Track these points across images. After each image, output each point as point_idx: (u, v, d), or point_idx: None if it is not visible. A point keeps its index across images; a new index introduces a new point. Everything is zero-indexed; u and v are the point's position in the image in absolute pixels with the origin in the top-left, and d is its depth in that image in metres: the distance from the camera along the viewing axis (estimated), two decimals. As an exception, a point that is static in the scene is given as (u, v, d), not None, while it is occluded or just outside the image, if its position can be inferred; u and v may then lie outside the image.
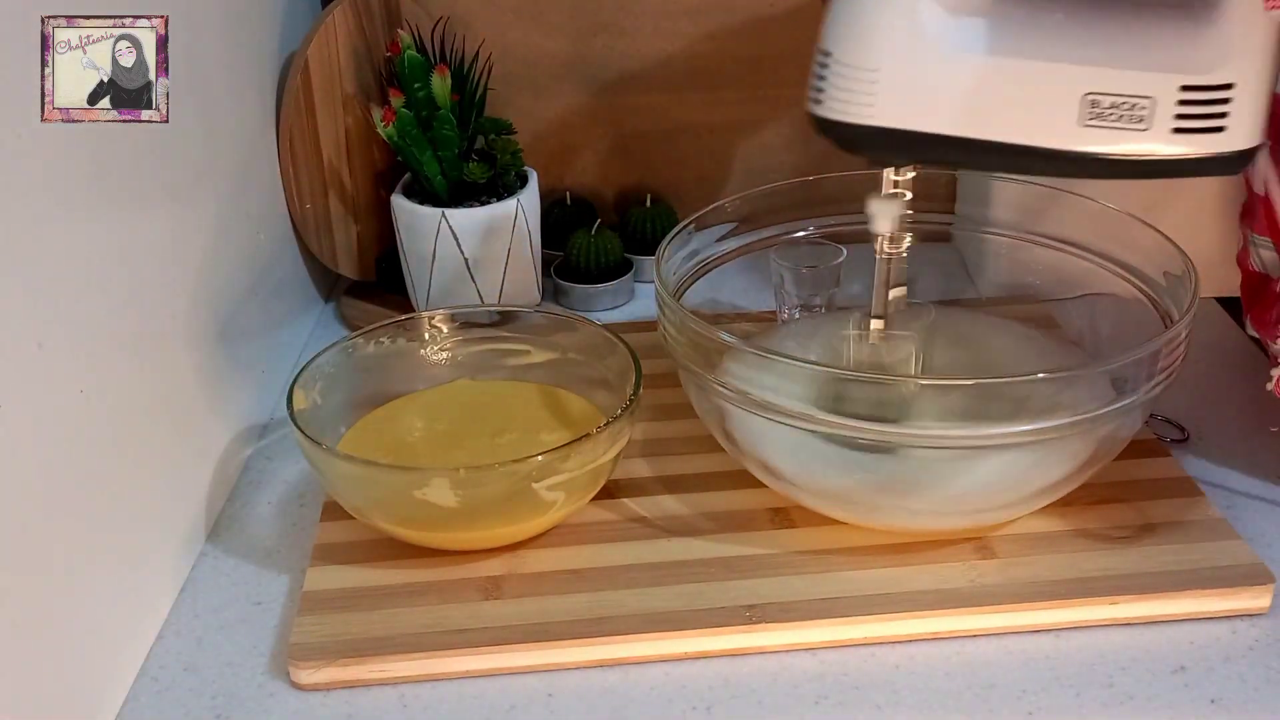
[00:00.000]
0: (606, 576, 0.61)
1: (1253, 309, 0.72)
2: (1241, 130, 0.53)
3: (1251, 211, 0.71)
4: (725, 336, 0.61)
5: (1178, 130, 0.53)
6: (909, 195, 0.64)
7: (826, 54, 0.57)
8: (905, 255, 0.66)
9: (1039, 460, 0.60)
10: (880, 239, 0.65)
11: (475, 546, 0.63)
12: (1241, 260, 0.74)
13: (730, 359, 0.62)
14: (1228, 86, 0.52)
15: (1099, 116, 0.53)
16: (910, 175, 0.76)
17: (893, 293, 0.66)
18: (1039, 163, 0.56)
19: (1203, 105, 0.53)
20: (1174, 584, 0.59)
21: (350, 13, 0.85)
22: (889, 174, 0.63)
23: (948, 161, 0.59)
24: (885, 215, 0.64)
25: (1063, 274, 0.73)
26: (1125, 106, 0.53)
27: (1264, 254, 0.71)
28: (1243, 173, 0.65)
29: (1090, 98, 0.53)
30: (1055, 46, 0.55)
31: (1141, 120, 0.53)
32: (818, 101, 0.58)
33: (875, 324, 0.67)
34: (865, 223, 0.77)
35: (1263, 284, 0.71)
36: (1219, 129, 0.53)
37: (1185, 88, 0.53)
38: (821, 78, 0.57)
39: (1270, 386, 0.65)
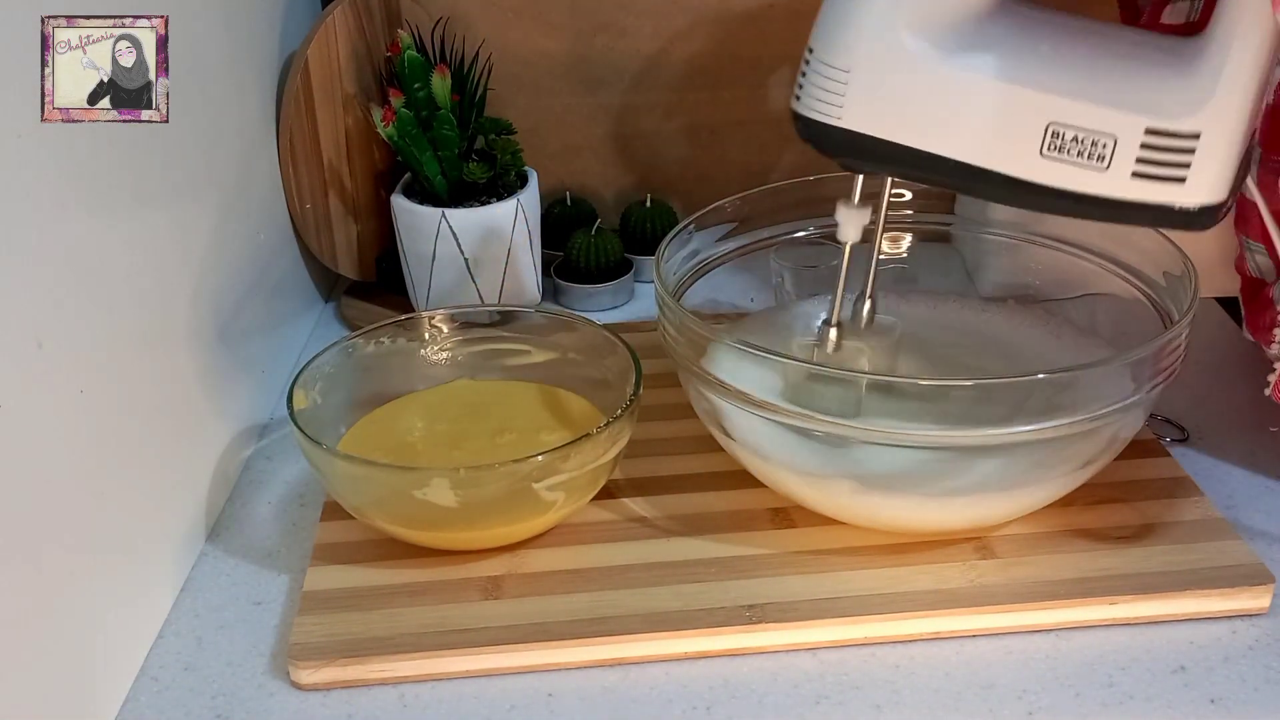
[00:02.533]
0: (606, 576, 0.61)
1: (1249, 314, 0.72)
2: (1203, 184, 0.52)
3: (1245, 217, 0.71)
4: (723, 337, 0.61)
5: (1137, 175, 0.52)
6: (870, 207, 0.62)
7: (809, 50, 0.57)
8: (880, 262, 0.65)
9: (1039, 460, 0.60)
10: (845, 247, 0.63)
11: (475, 546, 0.63)
12: (1239, 265, 0.74)
13: (724, 356, 0.62)
14: (1194, 136, 0.51)
15: (1059, 149, 0.52)
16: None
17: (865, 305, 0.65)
18: (998, 189, 0.55)
19: (1165, 152, 0.51)
20: (1174, 584, 0.59)
21: (350, 13, 0.85)
22: (858, 181, 0.62)
23: (911, 175, 0.58)
24: (852, 224, 0.62)
25: (1063, 274, 0.72)
26: (1086, 142, 0.52)
27: (1259, 259, 0.71)
28: None
29: (1053, 128, 0.52)
30: (1026, 71, 0.53)
31: (1101, 159, 0.52)
32: (796, 98, 0.57)
33: (832, 333, 0.65)
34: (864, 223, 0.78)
35: (1259, 289, 0.71)
36: (1179, 179, 0.51)
37: (1150, 131, 0.51)
38: (802, 74, 0.57)
39: (1268, 392, 0.65)
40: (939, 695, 0.56)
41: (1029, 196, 0.54)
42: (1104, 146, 0.52)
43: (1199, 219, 0.53)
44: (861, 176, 0.61)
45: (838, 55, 0.55)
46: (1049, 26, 0.56)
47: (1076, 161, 0.52)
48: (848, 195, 0.62)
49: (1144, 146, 0.51)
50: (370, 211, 0.90)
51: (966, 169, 0.54)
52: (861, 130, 0.55)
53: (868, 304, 0.66)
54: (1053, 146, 0.52)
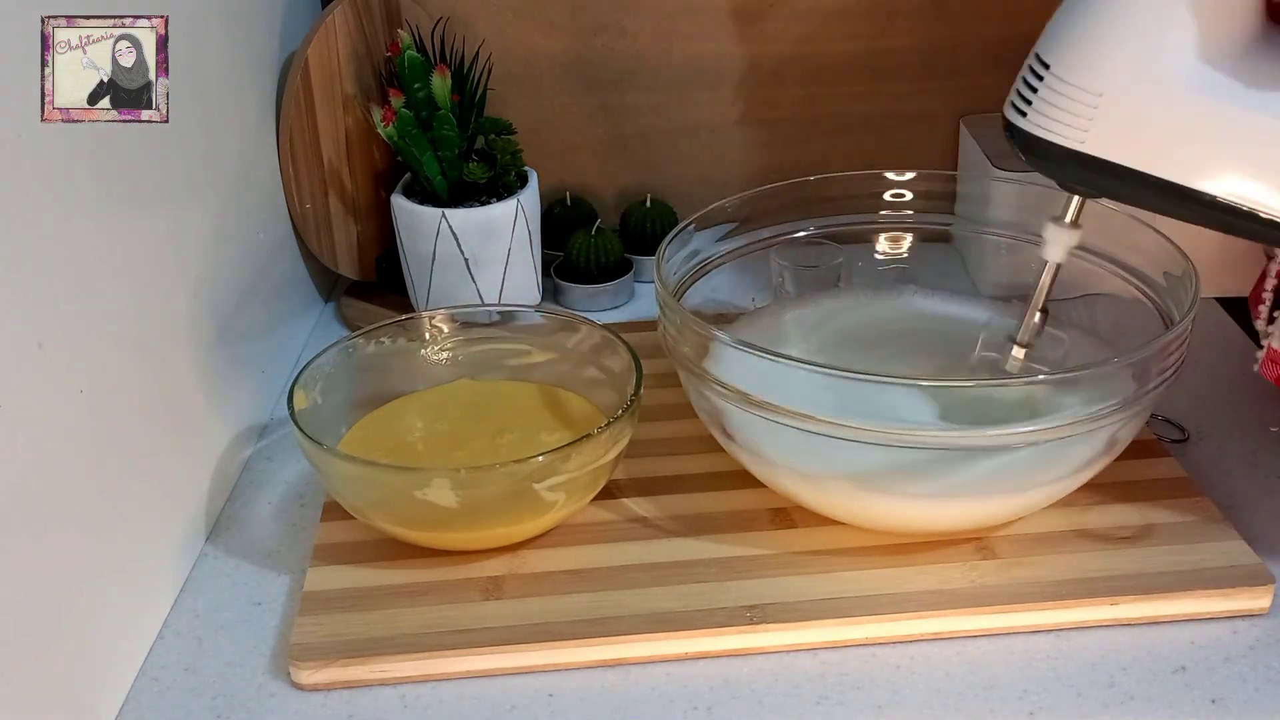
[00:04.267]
0: (607, 577, 0.61)
1: (1255, 286, 0.71)
2: None
3: None
4: (723, 337, 0.61)
5: None
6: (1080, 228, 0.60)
7: (1043, 65, 0.53)
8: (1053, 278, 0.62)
9: (1040, 461, 0.60)
10: (1049, 266, 0.61)
11: (476, 547, 0.63)
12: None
13: (725, 356, 0.62)
14: None
15: None
16: (910, 176, 0.77)
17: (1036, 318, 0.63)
18: (1260, 228, 0.52)
19: None
20: (1174, 584, 0.59)
21: (350, 13, 0.85)
22: (1075, 201, 0.59)
23: (1153, 206, 0.55)
24: (1060, 243, 0.60)
25: (1063, 274, 0.72)
26: None
27: None
28: None
29: None
30: None
31: None
32: (1022, 113, 0.54)
33: (1018, 352, 0.63)
34: (865, 223, 0.78)
35: (1269, 259, 0.71)
36: None
37: None
38: (1032, 88, 0.53)
39: (1256, 368, 0.64)
40: (940, 695, 0.56)
41: None
42: None
43: None
44: (1078, 198, 0.59)
45: (1088, 76, 0.52)
46: None
47: None
48: (1058, 214, 0.59)
49: None
50: (370, 211, 0.90)
51: (1227, 208, 0.52)
52: (1111, 159, 0.52)
53: (1038, 316, 0.64)
54: None
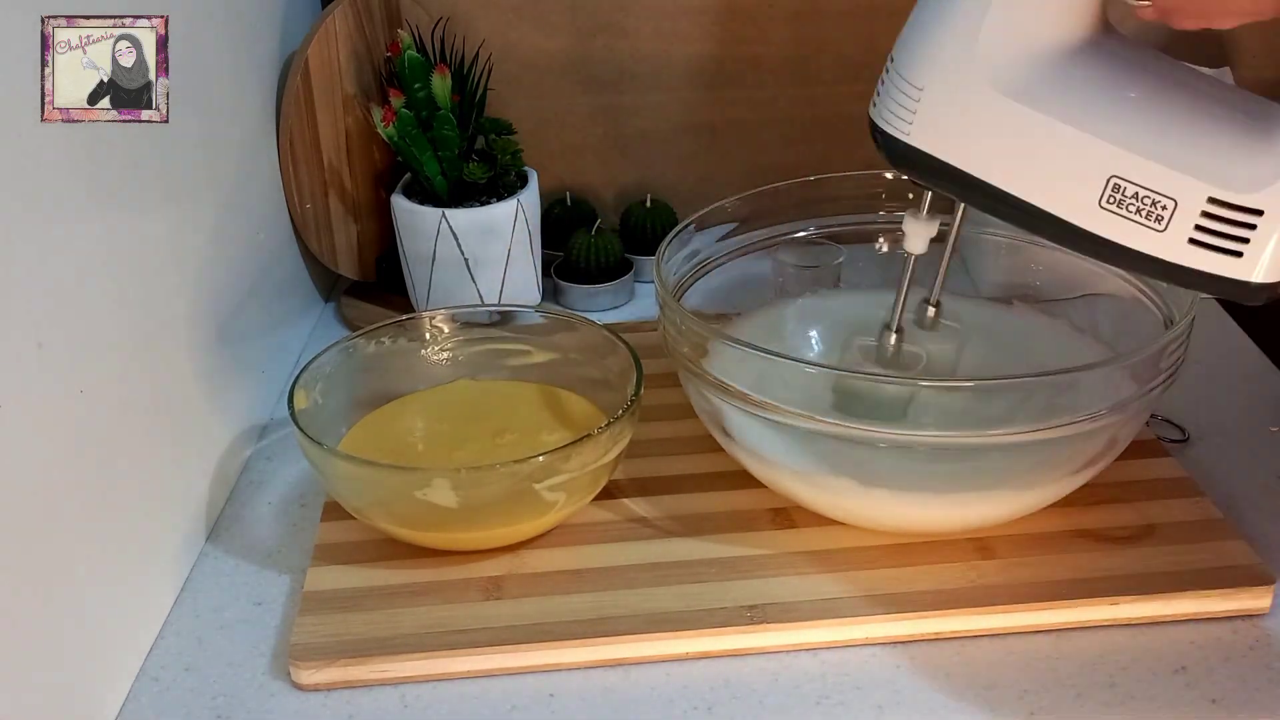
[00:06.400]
0: (607, 577, 0.61)
1: None
2: (1260, 262, 0.50)
3: None
4: (724, 337, 0.61)
5: (1194, 241, 0.50)
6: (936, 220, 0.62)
7: (890, 59, 0.55)
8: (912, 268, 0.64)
9: (1040, 461, 0.60)
10: (909, 257, 0.63)
11: (476, 547, 0.63)
12: None
13: (724, 356, 0.62)
14: (1257, 213, 0.49)
15: (1118, 203, 0.51)
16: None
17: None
18: (1053, 230, 0.53)
19: (1225, 224, 0.50)
20: (1174, 584, 0.59)
21: (350, 13, 0.85)
22: (927, 195, 0.61)
23: (970, 201, 0.56)
24: (919, 236, 0.62)
25: (1063, 274, 0.72)
26: (1146, 200, 0.51)
27: None
28: None
29: (1114, 181, 0.51)
30: (1097, 120, 0.52)
31: (1159, 220, 0.50)
32: (873, 104, 0.56)
33: (890, 338, 0.65)
34: (865, 223, 0.78)
35: None
36: (1236, 253, 0.50)
37: (1212, 200, 0.50)
38: (881, 81, 0.56)
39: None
40: (940, 695, 0.56)
41: (1084, 244, 0.53)
42: (1163, 208, 0.50)
43: (1255, 293, 0.51)
44: (929, 192, 0.61)
45: (913, 71, 0.54)
46: (1137, 72, 0.54)
47: (1134, 218, 0.51)
48: (916, 207, 0.62)
49: (1204, 215, 0.50)
50: (370, 211, 0.90)
51: (1024, 206, 0.53)
52: (927, 150, 0.54)
53: (931, 310, 0.65)
54: (1112, 200, 0.51)
